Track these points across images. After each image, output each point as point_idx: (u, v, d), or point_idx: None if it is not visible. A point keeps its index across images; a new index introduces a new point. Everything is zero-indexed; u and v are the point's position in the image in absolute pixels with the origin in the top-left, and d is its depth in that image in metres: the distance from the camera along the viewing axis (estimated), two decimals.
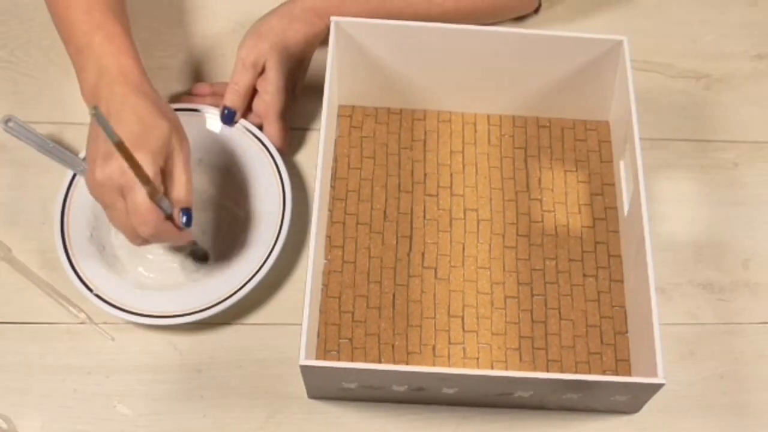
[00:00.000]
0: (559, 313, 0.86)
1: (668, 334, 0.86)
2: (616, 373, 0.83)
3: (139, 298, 0.84)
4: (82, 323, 0.86)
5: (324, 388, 0.80)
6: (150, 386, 0.83)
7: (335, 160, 0.93)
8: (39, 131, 0.90)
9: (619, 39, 0.87)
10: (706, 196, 0.95)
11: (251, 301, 0.86)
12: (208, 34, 1.02)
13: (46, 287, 0.87)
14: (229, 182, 0.91)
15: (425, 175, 0.93)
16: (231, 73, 0.91)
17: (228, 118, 0.91)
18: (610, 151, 0.94)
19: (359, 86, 0.94)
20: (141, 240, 0.77)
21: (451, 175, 0.93)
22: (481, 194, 0.92)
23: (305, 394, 0.83)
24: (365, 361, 0.83)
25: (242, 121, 0.92)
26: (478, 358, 0.84)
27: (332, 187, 0.91)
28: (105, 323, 0.86)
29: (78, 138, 0.93)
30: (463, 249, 0.89)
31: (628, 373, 0.83)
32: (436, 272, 0.88)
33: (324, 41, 0.89)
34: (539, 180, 0.93)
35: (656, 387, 0.74)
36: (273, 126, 0.91)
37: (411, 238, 0.89)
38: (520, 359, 0.84)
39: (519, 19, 1.03)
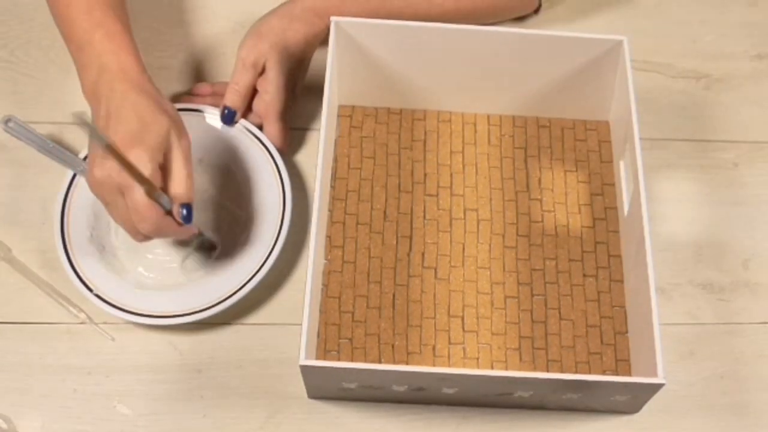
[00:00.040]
0: (559, 313, 0.86)
1: (668, 334, 0.86)
2: (616, 373, 0.83)
3: (139, 298, 0.84)
4: (82, 323, 0.86)
5: (324, 388, 0.80)
6: (150, 386, 0.83)
7: (335, 160, 0.93)
8: (39, 131, 0.91)
9: (619, 39, 0.87)
10: (706, 196, 0.95)
11: (251, 301, 0.86)
12: (208, 34, 1.02)
13: (46, 287, 0.87)
14: (230, 182, 0.91)
15: (425, 175, 0.93)
16: (231, 73, 0.91)
17: (228, 118, 0.91)
18: (610, 151, 0.94)
19: (359, 86, 0.94)
20: (142, 236, 0.77)
21: (451, 175, 0.93)
22: (481, 194, 0.92)
23: (305, 394, 0.83)
24: (365, 361, 0.83)
25: (242, 121, 0.92)
26: (478, 358, 0.84)
27: (332, 187, 0.91)
28: (105, 323, 0.86)
29: (78, 138, 0.93)
30: (463, 249, 0.89)
31: (628, 373, 0.83)
32: (436, 272, 0.88)
33: (324, 41, 0.89)
34: (539, 180, 0.93)
35: (656, 387, 0.74)
36: (273, 126, 0.91)
37: (411, 238, 0.89)
38: (520, 359, 0.84)
39: (519, 19, 1.03)
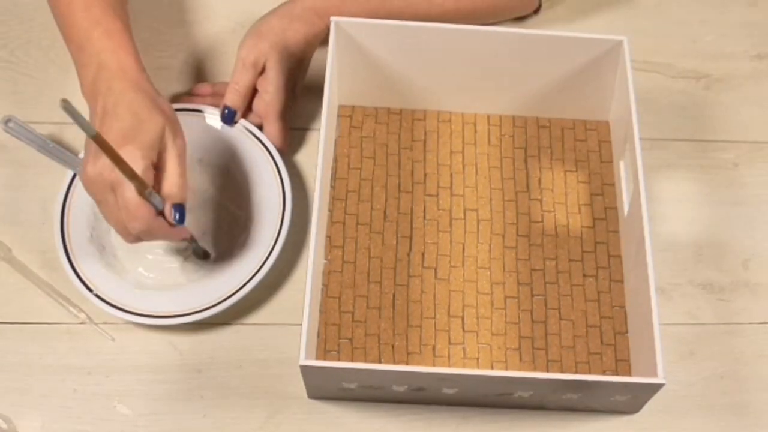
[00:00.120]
0: (559, 313, 0.86)
1: (668, 334, 0.86)
2: (616, 373, 0.83)
3: (139, 298, 0.84)
4: (82, 323, 0.86)
5: (324, 388, 0.80)
6: (150, 386, 0.83)
7: (335, 160, 0.93)
8: (39, 131, 0.90)
9: (619, 39, 0.87)
10: (706, 196, 0.95)
11: (251, 301, 0.86)
12: (209, 34, 1.02)
13: (46, 287, 0.87)
14: (229, 182, 0.91)
15: (425, 175, 0.93)
16: (231, 72, 0.91)
17: (228, 117, 0.91)
18: (610, 151, 0.94)
19: (359, 86, 0.94)
20: (133, 237, 0.76)
21: (451, 175, 0.93)
22: (481, 194, 0.92)
23: (305, 394, 0.83)
24: (365, 361, 0.83)
25: (242, 121, 0.92)
26: (478, 358, 0.84)
27: (332, 187, 0.91)
28: (105, 323, 0.86)
29: (78, 138, 0.93)
30: (463, 249, 0.89)
31: (628, 373, 0.83)
32: (436, 272, 0.88)
33: (324, 41, 0.89)
34: (539, 180, 0.93)
35: (656, 387, 0.74)
36: (273, 126, 0.91)
37: (411, 238, 0.89)
38: (520, 359, 0.84)
39: (519, 19, 1.03)
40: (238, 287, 0.84)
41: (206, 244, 0.87)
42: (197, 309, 0.83)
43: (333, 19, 0.87)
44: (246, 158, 0.90)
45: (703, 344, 0.87)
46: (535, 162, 0.94)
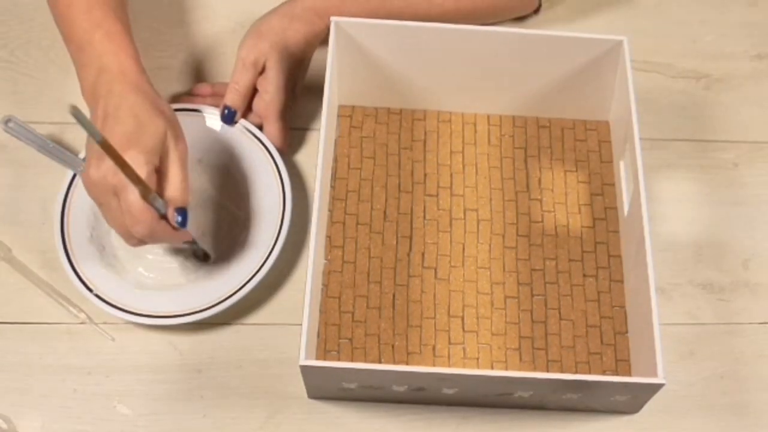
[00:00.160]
0: (559, 313, 0.86)
1: (668, 334, 0.86)
2: (616, 373, 0.83)
3: (139, 298, 0.84)
4: (82, 323, 0.86)
5: (324, 388, 0.80)
6: (150, 386, 0.83)
7: (335, 160, 0.93)
8: (39, 131, 0.91)
9: (619, 39, 0.87)
10: (706, 196, 0.95)
11: (251, 301, 0.86)
12: (208, 34, 1.02)
13: (46, 287, 0.87)
14: (229, 182, 0.91)
15: (425, 175, 0.93)
16: (231, 72, 0.91)
17: (228, 117, 0.91)
18: (610, 151, 0.94)
19: (359, 86, 0.94)
20: (136, 240, 0.76)
21: (451, 175, 0.93)
22: (481, 194, 0.92)
23: (305, 394, 0.83)
24: (365, 361, 0.83)
25: (242, 121, 0.92)
26: (478, 359, 0.84)
27: (332, 187, 0.91)
28: (105, 323, 0.86)
29: (78, 138, 0.93)
30: (463, 249, 0.89)
31: (628, 373, 0.83)
32: (436, 272, 0.88)
33: (324, 41, 0.89)
34: (539, 180, 0.93)
35: (656, 387, 0.74)
36: (273, 126, 0.91)
37: (411, 238, 0.89)
38: (520, 359, 0.84)
39: (519, 19, 1.03)
40: (238, 287, 0.84)
41: (206, 244, 0.87)
42: (197, 309, 0.83)
43: (333, 19, 0.87)
44: (246, 158, 0.90)
45: (703, 344, 0.87)
46: (535, 162, 0.94)
